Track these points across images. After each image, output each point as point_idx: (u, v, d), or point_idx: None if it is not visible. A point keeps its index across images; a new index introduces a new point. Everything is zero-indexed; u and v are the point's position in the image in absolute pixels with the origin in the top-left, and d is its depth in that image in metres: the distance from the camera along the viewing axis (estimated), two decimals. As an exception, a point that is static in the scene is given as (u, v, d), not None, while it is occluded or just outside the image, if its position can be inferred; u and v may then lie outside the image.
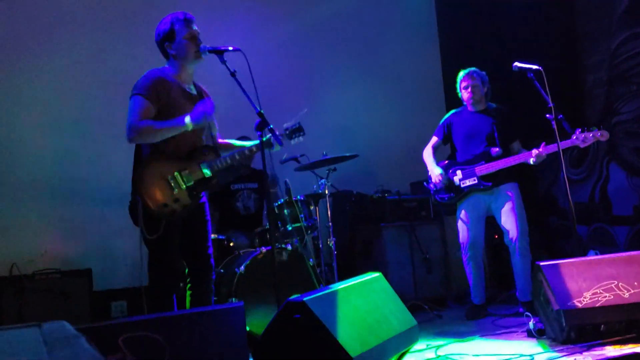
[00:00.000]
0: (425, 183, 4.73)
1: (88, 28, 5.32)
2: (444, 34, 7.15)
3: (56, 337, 1.77)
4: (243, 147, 3.33)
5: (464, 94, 4.59)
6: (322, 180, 4.67)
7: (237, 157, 3.27)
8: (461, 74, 4.62)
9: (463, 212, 4.49)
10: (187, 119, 3.06)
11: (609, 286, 3.16)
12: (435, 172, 4.54)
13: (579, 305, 3.09)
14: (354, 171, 5.89)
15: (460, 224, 4.52)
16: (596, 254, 5.16)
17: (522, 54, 4.55)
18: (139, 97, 3.11)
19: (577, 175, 5.61)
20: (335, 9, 6.56)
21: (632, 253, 3.36)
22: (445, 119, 4.71)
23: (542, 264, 3.32)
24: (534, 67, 3.99)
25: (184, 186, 3.14)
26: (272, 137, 3.11)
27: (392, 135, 6.58)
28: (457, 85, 4.66)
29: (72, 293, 4.46)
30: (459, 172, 4.45)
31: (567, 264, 3.30)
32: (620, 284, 3.16)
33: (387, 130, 6.58)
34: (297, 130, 3.40)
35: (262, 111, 3.02)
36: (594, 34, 5.47)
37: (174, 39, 3.20)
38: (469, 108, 4.61)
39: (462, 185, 4.43)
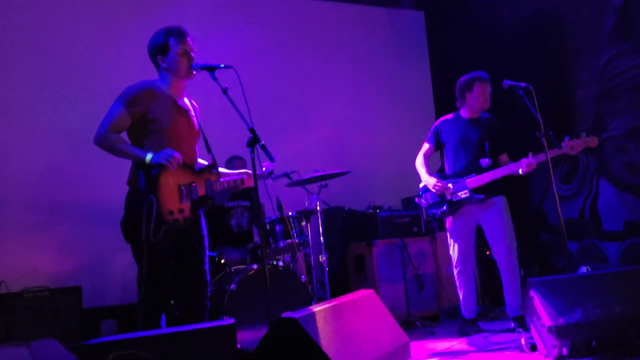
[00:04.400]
0: (417, 199, 4.69)
1: (79, 40, 5.32)
2: (434, 52, 7.21)
3: (45, 356, 1.75)
4: (242, 174, 3.46)
5: (482, 102, 4.41)
6: (314, 197, 4.67)
7: (236, 182, 3.42)
8: (478, 79, 4.41)
9: (453, 225, 4.44)
10: (148, 157, 3.07)
11: (599, 302, 3.16)
12: (430, 181, 4.45)
13: (571, 321, 3.10)
14: (345, 187, 5.90)
15: (450, 238, 4.50)
16: (587, 270, 5.18)
17: (511, 71, 4.58)
18: (118, 103, 3.16)
19: (567, 191, 5.64)
20: (326, 26, 6.61)
21: (623, 269, 3.37)
22: (436, 126, 4.63)
23: (533, 280, 3.33)
24: (523, 84, 4.02)
25: (191, 199, 3.15)
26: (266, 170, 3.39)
27: (383, 152, 6.61)
28: (466, 89, 4.46)
29: (61, 311, 4.42)
30: (450, 186, 4.40)
31: (558, 280, 3.31)
32: (611, 299, 3.17)
33: (379, 147, 6.62)
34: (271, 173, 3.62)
35: (253, 128, 3.03)
36: (582, 50, 5.53)
37: (167, 53, 3.21)
38: (465, 115, 4.52)
39: (454, 199, 4.37)
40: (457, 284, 4.49)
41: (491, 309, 5.17)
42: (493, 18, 6.37)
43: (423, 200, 4.57)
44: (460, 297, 4.49)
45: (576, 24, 5.59)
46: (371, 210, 5.59)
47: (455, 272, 4.49)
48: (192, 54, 3.23)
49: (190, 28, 3.34)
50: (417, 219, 5.64)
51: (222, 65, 3.16)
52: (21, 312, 4.27)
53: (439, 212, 4.45)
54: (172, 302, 3.31)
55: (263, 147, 3.03)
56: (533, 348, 3.42)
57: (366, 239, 5.42)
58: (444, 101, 6.92)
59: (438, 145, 4.62)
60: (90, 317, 4.73)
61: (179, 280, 3.27)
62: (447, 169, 4.53)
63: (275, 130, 5.34)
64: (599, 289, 3.23)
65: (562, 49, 5.73)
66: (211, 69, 3.15)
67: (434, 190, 4.42)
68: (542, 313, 3.17)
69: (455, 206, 4.38)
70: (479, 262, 5.56)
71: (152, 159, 3.06)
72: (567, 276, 3.36)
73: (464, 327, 4.43)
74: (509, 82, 4.10)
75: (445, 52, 7.00)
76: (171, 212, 3.08)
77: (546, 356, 3.24)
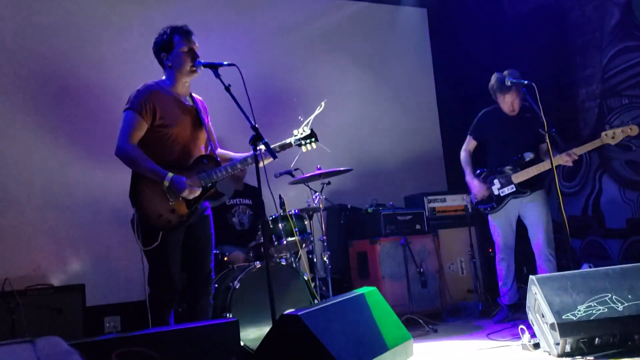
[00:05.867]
0: (465, 197, 5.05)
1: (83, 39, 5.31)
2: (437, 49, 7.20)
3: (49, 353, 1.76)
4: (245, 156, 3.32)
5: (508, 110, 4.53)
6: (317, 194, 4.67)
7: (238, 166, 3.27)
8: (499, 90, 4.48)
9: (497, 216, 4.62)
10: (167, 179, 3.06)
11: (602, 299, 3.16)
12: (475, 185, 4.64)
13: (574, 318, 3.10)
14: (348, 185, 5.90)
15: (493, 228, 4.68)
16: (590, 267, 5.17)
17: (514, 68, 4.58)
18: (130, 112, 3.14)
19: (570, 188, 5.63)
20: (329, 24, 6.60)
21: (626, 266, 3.37)
22: (479, 120, 4.75)
23: (536, 277, 3.33)
24: (526, 81, 4.04)
25: (181, 197, 3.13)
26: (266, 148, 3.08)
27: (385, 149, 6.60)
28: (492, 93, 4.58)
29: (65, 308, 4.42)
30: (496, 182, 4.56)
31: (561, 277, 3.31)
32: (614, 296, 3.17)
33: (381, 144, 6.60)
34: (307, 137, 3.40)
35: (256, 125, 3.02)
36: (585, 47, 5.52)
37: (171, 51, 3.21)
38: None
39: (501, 194, 4.54)
40: (498, 270, 4.69)
41: (493, 307, 5.16)
42: (496, 15, 6.37)
43: (472, 196, 4.76)
44: (500, 283, 4.69)
45: (580, 21, 5.59)
46: (374, 208, 5.60)
47: (497, 260, 4.70)
48: (196, 52, 3.23)
49: (194, 25, 3.34)
50: (419, 217, 5.64)
51: (225, 63, 3.16)
52: (25, 309, 4.27)
53: (488, 207, 4.64)
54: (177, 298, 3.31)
55: (266, 144, 3.02)
56: (536, 346, 3.41)
57: (369, 237, 5.42)
58: (447, 99, 6.93)
59: (482, 139, 4.74)
60: (93, 314, 4.75)
61: (183, 277, 3.28)
62: (491, 162, 4.67)
63: (278, 128, 5.33)
64: (602, 286, 3.22)
65: (565, 46, 5.72)
66: (214, 67, 3.14)
67: (479, 196, 4.63)
68: (545, 310, 3.17)
69: (503, 201, 4.55)
70: (481, 260, 5.57)
71: (172, 181, 3.06)
72: (570, 273, 3.36)
73: (499, 314, 4.64)
74: (512, 79, 4.12)
75: (448, 50, 6.98)
76: (161, 215, 3.08)
77: (549, 354, 3.24)
